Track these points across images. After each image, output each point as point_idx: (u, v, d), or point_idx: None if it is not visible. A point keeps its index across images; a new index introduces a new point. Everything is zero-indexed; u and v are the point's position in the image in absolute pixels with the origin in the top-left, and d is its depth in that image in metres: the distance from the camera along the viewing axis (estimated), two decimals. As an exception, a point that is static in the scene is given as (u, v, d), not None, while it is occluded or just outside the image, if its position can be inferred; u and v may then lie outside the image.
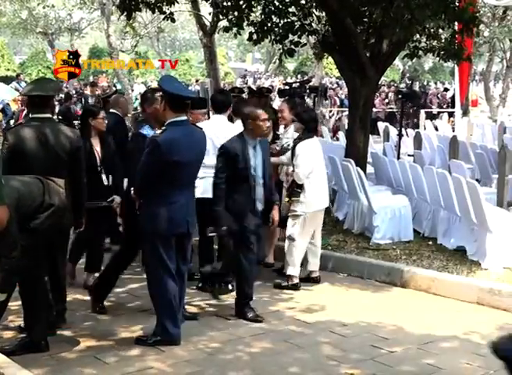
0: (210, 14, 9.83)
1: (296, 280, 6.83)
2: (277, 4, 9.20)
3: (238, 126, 6.93)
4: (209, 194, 6.05)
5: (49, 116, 5.50)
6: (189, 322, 5.56)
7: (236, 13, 9.19)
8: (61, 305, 5.52)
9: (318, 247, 7.11)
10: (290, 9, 9.35)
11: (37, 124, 5.37)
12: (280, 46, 9.44)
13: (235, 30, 9.30)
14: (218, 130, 6.66)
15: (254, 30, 9.26)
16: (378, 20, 8.88)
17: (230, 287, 6.73)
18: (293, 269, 6.82)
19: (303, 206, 6.82)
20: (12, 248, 4.25)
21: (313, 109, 7.80)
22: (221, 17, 10.60)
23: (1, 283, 4.31)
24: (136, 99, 13.58)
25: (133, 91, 23.94)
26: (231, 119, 7.35)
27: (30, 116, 5.50)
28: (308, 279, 7.00)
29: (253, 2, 9.22)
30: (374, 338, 5.45)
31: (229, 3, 9.28)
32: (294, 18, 9.26)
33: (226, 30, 9.56)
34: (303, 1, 9.34)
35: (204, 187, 6.33)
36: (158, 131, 5.19)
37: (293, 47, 9.31)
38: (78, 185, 5.46)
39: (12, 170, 4.98)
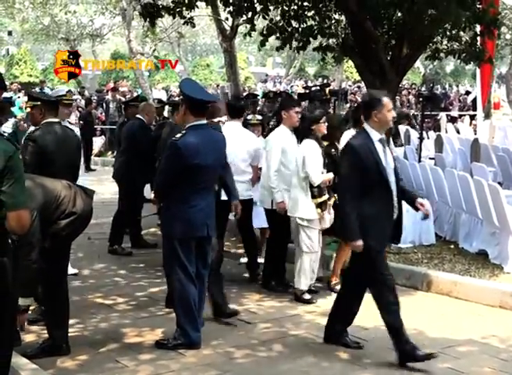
0: (228, 13, 9.70)
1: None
2: (295, 8, 9.21)
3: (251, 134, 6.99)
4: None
5: (59, 120, 5.72)
6: (208, 325, 5.57)
7: (250, 14, 9.21)
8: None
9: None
10: (309, 13, 9.35)
11: (55, 127, 5.55)
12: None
13: (249, 32, 9.36)
14: (234, 136, 6.56)
15: (275, 37, 9.33)
16: (400, 21, 8.85)
17: None
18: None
19: None
20: (30, 250, 4.26)
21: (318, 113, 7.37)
22: (241, 21, 10.61)
23: (26, 288, 4.30)
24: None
25: (153, 99, 23.86)
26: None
27: (46, 120, 5.55)
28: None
29: (268, 4, 9.23)
30: (394, 342, 5.40)
31: (245, 4, 9.28)
32: (314, 22, 9.26)
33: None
34: (321, 5, 9.32)
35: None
36: (178, 135, 5.20)
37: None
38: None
39: (39, 171, 5.10)
